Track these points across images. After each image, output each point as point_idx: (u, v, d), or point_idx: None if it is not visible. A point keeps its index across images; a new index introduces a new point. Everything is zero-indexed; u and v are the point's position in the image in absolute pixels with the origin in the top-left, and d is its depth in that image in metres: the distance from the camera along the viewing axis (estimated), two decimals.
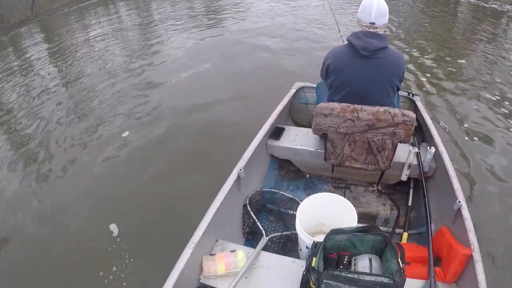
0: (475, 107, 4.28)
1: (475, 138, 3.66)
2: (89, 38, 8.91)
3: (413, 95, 2.84)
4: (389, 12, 2.00)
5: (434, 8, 9.25)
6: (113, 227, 2.84)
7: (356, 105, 1.94)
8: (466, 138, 3.66)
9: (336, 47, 2.15)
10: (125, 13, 11.67)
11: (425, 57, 5.90)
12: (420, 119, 2.63)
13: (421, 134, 2.56)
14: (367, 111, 1.91)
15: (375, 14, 1.93)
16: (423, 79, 5.06)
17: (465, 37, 7.19)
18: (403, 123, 1.91)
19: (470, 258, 1.61)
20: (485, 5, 9.11)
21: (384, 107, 1.93)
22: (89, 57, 7.39)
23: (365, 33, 1.98)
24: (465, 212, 1.77)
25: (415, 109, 2.77)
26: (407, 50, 6.18)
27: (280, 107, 2.75)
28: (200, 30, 8.20)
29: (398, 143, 2.03)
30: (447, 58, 5.85)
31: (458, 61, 5.74)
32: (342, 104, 1.97)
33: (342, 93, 2.08)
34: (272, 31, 7.48)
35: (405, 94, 2.84)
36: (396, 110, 1.91)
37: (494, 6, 8.94)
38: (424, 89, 4.75)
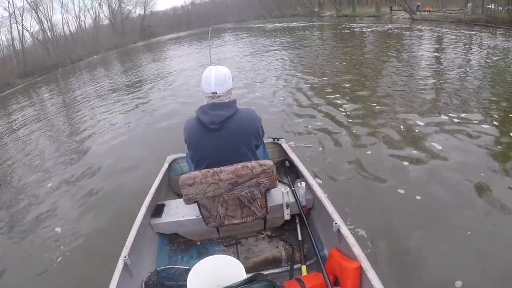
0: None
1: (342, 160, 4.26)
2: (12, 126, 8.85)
3: (278, 139, 3.10)
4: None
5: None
6: None
7: (215, 169, 1.98)
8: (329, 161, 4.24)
9: (189, 119, 2.11)
10: (48, 97, 12.18)
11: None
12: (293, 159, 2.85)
13: (294, 172, 2.75)
14: (226, 171, 1.97)
15: (214, 84, 1.95)
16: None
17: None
18: (263, 172, 2.00)
19: (360, 269, 1.73)
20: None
21: (242, 163, 1.98)
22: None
23: (210, 106, 1.98)
24: (345, 231, 1.92)
25: (283, 151, 3.02)
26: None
27: (156, 184, 2.69)
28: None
29: (267, 190, 2.11)
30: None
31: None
32: (202, 171, 2.00)
33: (203, 166, 2.08)
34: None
35: (270, 140, 3.10)
36: (253, 163, 1.98)
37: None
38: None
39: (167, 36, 40.32)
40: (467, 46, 12.64)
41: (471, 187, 3.43)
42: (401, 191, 3.46)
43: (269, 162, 2.00)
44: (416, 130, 4.93)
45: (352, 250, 1.80)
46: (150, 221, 2.42)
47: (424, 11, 27.26)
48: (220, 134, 1.97)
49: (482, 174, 3.60)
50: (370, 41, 16.54)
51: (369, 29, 20.51)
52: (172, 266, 2.33)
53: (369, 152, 4.43)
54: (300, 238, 2.40)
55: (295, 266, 2.28)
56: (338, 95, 7.14)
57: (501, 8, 21.96)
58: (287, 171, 2.80)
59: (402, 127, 5.10)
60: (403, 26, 20.87)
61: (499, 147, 4.24)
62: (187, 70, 12.91)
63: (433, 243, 2.73)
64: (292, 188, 2.42)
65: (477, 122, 5.02)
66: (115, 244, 2.12)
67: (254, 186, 2.04)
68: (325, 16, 34.90)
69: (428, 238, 2.78)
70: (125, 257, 1.94)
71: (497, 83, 7.21)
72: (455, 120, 5.18)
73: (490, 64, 9.26)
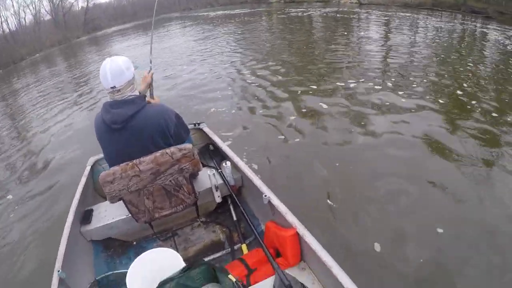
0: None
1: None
2: None
3: (199, 124, 3.10)
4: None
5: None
6: None
7: (134, 160, 1.89)
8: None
9: (98, 115, 1.96)
10: None
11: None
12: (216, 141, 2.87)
13: (219, 155, 2.77)
14: (146, 161, 1.89)
15: (110, 77, 1.80)
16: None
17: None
18: (184, 157, 1.95)
19: (297, 235, 1.80)
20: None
21: (161, 150, 1.91)
22: None
23: (112, 104, 1.85)
24: (275, 201, 1.98)
25: (206, 135, 3.03)
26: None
27: (80, 189, 2.56)
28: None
29: (191, 175, 2.09)
30: None
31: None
32: (121, 165, 1.89)
33: (117, 163, 1.97)
34: None
35: (191, 126, 3.05)
36: (172, 148, 1.93)
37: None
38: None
39: (112, 28, 38.69)
40: (413, 28, 13.34)
41: (393, 160, 3.78)
42: (330, 164, 3.80)
43: (188, 146, 1.97)
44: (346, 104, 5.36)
45: (285, 218, 1.85)
46: (80, 229, 2.30)
47: None
48: (124, 134, 1.87)
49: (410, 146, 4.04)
50: (311, 25, 16.96)
51: (314, 13, 20.87)
52: (112, 272, 2.26)
53: (290, 129, 4.78)
54: (235, 218, 2.45)
55: (236, 247, 2.32)
56: (268, 75, 7.58)
57: None
58: (212, 154, 2.82)
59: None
60: (351, 10, 21.37)
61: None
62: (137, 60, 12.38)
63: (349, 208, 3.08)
64: (219, 170, 2.43)
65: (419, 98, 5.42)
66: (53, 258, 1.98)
67: (177, 173, 2.00)
68: (273, 2, 34.88)
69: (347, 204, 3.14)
70: (59, 271, 1.84)
71: (442, 61, 7.78)
72: (394, 97, 5.53)
73: (435, 44, 9.83)
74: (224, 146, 2.71)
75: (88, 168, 2.87)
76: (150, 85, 2.47)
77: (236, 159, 2.47)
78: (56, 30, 40.46)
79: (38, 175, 4.86)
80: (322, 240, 1.74)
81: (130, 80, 1.87)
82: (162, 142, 1.94)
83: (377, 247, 2.59)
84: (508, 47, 9.17)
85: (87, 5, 45.57)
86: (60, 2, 43.43)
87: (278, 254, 1.94)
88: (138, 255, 2.36)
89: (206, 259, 2.28)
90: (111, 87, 1.81)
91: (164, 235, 2.53)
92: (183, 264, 1.64)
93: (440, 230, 2.68)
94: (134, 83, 1.91)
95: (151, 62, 2.83)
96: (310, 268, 1.80)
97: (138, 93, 1.95)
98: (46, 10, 42.89)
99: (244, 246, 2.22)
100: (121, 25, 40.41)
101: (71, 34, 40.00)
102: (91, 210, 2.43)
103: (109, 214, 2.35)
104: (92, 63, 15.38)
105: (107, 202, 2.45)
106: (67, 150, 5.44)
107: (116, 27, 39.88)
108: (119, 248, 2.50)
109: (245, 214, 2.17)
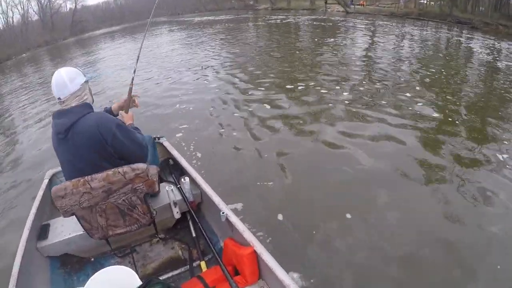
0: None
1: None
2: None
3: (159, 138, 3.00)
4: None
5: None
6: None
7: (86, 177, 1.80)
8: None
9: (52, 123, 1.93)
10: None
11: None
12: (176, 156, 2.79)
13: (179, 170, 2.68)
14: (97, 179, 1.81)
15: (56, 89, 1.81)
16: None
17: None
18: (137, 177, 1.87)
19: (255, 254, 1.72)
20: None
21: (113, 169, 1.84)
22: None
23: (55, 114, 1.83)
24: (233, 219, 1.91)
25: (166, 150, 2.95)
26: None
27: (36, 203, 2.45)
28: None
29: (147, 194, 2.00)
30: None
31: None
32: (72, 181, 1.81)
33: (69, 174, 1.91)
34: None
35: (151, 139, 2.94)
36: (125, 167, 1.85)
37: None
38: None
39: (99, 31, 38.46)
40: (399, 37, 13.58)
41: (346, 157, 3.95)
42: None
43: (142, 166, 1.86)
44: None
45: (243, 236, 1.79)
46: (36, 244, 2.18)
47: (358, 4, 28.38)
48: (68, 144, 1.81)
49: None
50: (297, 33, 17.01)
51: (299, 21, 21.26)
52: None
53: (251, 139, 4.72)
54: (194, 235, 2.37)
55: (195, 264, 2.24)
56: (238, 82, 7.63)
57: (433, 3, 23.59)
58: (172, 169, 2.73)
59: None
60: (337, 19, 21.63)
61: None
62: (117, 67, 12.09)
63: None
64: (178, 186, 2.35)
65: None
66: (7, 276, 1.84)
67: (130, 193, 1.90)
68: (260, 9, 35.19)
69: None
70: None
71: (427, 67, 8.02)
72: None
73: (420, 51, 10.01)
74: (183, 161, 2.65)
75: (46, 181, 2.76)
76: (129, 99, 2.40)
77: (195, 174, 2.41)
78: (44, 31, 40.11)
79: None
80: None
81: (74, 92, 1.83)
82: (102, 152, 1.84)
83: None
84: (490, 59, 9.36)
85: (75, 6, 45.34)
86: (48, 3, 43.09)
87: (237, 272, 1.86)
88: (96, 270, 2.28)
89: (164, 276, 2.20)
90: (58, 99, 1.82)
91: (122, 252, 2.43)
92: (139, 283, 1.56)
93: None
94: (81, 94, 1.87)
95: (134, 72, 2.68)
96: (268, 286, 1.74)
97: (86, 102, 1.89)
98: (34, 11, 42.57)
99: (203, 263, 2.15)
100: (108, 28, 40.29)
101: (58, 35, 39.68)
102: (48, 225, 2.32)
103: (66, 230, 2.24)
104: (78, 65, 15.17)
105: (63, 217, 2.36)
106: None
107: (103, 29, 39.69)
108: (77, 265, 2.40)
109: (203, 231, 2.11)
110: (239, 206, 3.15)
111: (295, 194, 3.38)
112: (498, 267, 2.44)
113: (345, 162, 3.82)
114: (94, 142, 1.80)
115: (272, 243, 2.71)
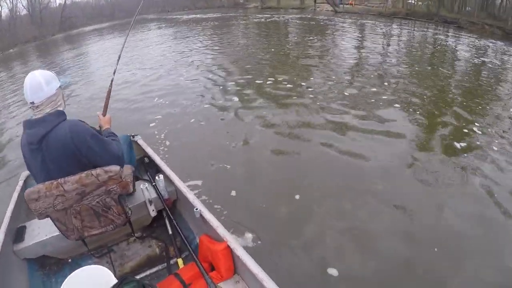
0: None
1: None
2: None
3: (134, 136, 3.04)
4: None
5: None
6: None
7: (59, 179, 1.80)
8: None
9: (22, 134, 1.86)
10: None
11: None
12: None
13: (154, 167, 2.71)
14: (70, 181, 1.80)
15: (29, 92, 1.74)
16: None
17: None
18: (111, 179, 1.87)
19: (229, 249, 1.78)
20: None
21: (86, 171, 1.83)
22: None
23: (27, 124, 1.78)
24: (207, 215, 1.96)
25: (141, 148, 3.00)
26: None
27: (12, 205, 2.44)
28: None
29: (121, 195, 2.02)
30: None
31: None
32: (45, 183, 1.81)
33: (41, 181, 1.88)
34: None
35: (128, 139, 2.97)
36: (98, 170, 1.84)
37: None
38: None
39: (88, 27, 37.84)
40: (387, 35, 13.85)
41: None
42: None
43: (115, 168, 1.88)
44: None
45: (217, 232, 1.84)
46: (13, 247, 2.17)
47: (347, 4, 28.57)
48: (41, 154, 1.78)
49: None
50: (286, 29, 17.11)
51: (287, 19, 21.30)
52: None
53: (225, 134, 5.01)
54: (170, 232, 2.38)
55: (172, 261, 2.28)
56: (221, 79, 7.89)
57: (420, 3, 23.79)
58: (147, 167, 2.77)
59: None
60: (326, 18, 21.68)
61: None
62: (102, 68, 12.01)
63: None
64: (153, 184, 2.37)
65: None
66: None
67: (104, 194, 1.92)
68: (249, 8, 35.11)
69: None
70: None
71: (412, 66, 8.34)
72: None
73: (406, 49, 10.31)
74: (158, 159, 2.67)
75: (21, 183, 2.74)
76: (107, 102, 2.45)
77: (169, 172, 2.44)
78: (32, 26, 39.36)
79: None
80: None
81: (50, 96, 1.80)
82: (76, 163, 1.83)
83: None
84: (475, 59, 9.53)
85: (65, 2, 44.60)
86: None
87: (213, 268, 1.90)
88: (74, 271, 2.31)
89: (142, 274, 2.22)
90: (30, 103, 1.76)
91: (99, 252, 2.45)
92: (114, 281, 1.59)
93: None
94: (55, 100, 1.84)
95: (114, 73, 2.70)
96: (244, 281, 1.78)
97: (59, 110, 1.85)
98: (23, 5, 41.71)
99: (180, 261, 2.17)
100: (98, 24, 39.67)
101: (47, 31, 39.00)
102: (24, 227, 2.30)
103: (42, 231, 2.24)
104: (65, 60, 15.12)
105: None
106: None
107: (93, 26, 39.10)
108: (55, 266, 2.40)
109: (178, 229, 2.15)
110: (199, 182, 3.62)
111: (250, 176, 3.81)
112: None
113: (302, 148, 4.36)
114: (68, 153, 1.78)
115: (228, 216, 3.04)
